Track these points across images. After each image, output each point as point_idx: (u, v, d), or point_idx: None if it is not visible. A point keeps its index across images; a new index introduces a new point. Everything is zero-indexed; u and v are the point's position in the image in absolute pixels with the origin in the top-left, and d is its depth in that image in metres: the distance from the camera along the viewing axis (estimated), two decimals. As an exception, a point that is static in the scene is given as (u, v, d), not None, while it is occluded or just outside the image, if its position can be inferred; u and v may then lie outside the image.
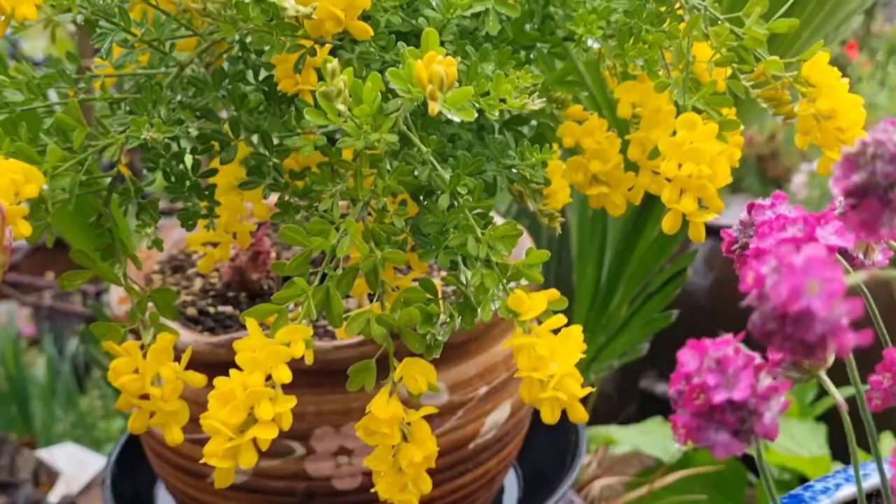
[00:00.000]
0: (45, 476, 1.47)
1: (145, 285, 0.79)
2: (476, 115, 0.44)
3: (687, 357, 0.31)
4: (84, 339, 2.29)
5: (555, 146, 0.55)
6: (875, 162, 0.28)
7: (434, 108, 0.41)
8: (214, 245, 0.65)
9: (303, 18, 0.46)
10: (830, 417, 1.66)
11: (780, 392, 0.30)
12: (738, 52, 0.56)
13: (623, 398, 1.90)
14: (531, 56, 0.62)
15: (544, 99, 0.49)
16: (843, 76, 0.57)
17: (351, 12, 0.48)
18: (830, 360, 0.41)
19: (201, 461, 0.48)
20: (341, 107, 0.42)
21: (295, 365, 0.51)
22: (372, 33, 0.49)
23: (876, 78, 5.63)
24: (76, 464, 1.71)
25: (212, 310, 0.77)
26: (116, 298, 0.75)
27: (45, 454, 1.60)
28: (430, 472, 0.71)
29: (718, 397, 0.30)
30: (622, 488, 1.45)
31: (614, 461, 1.54)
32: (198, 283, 0.81)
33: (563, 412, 0.50)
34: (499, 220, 0.88)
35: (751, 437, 0.31)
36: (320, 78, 0.52)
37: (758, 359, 0.31)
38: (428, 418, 0.69)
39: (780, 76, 0.56)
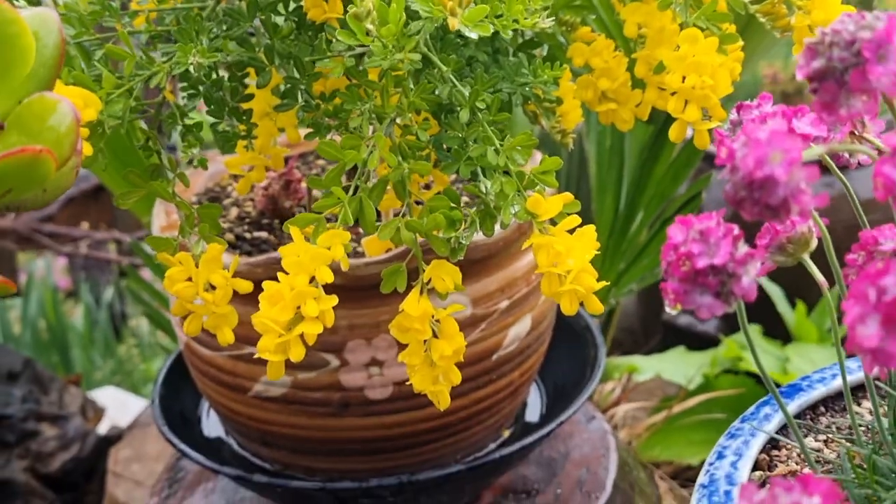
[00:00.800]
0: (92, 411, 1.53)
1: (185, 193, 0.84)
2: (491, 30, 0.48)
3: (675, 230, 0.36)
4: (119, 288, 2.35)
5: (565, 67, 0.58)
6: (832, 49, 0.32)
7: (454, 23, 0.45)
8: (250, 169, 0.70)
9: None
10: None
11: (756, 257, 0.35)
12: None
13: (647, 331, 1.94)
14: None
15: (554, 18, 0.53)
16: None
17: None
18: (813, 244, 0.45)
19: (254, 359, 0.53)
20: (370, 27, 0.46)
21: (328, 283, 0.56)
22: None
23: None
24: (118, 405, 1.78)
25: (248, 235, 0.82)
26: (159, 227, 0.80)
27: (88, 395, 1.67)
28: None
29: (701, 263, 0.34)
30: (645, 414, 1.50)
31: (638, 388, 1.59)
32: (233, 213, 0.86)
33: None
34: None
35: (731, 298, 0.35)
36: (346, 6, 0.57)
37: (736, 230, 0.35)
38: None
39: (779, -7, 0.59)
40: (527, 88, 0.59)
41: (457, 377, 0.57)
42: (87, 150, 0.50)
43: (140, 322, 2.42)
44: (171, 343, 2.18)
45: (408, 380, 0.59)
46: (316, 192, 0.82)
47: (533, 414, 0.95)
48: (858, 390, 0.60)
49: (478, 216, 0.55)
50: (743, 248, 0.35)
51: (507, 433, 0.89)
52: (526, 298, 0.80)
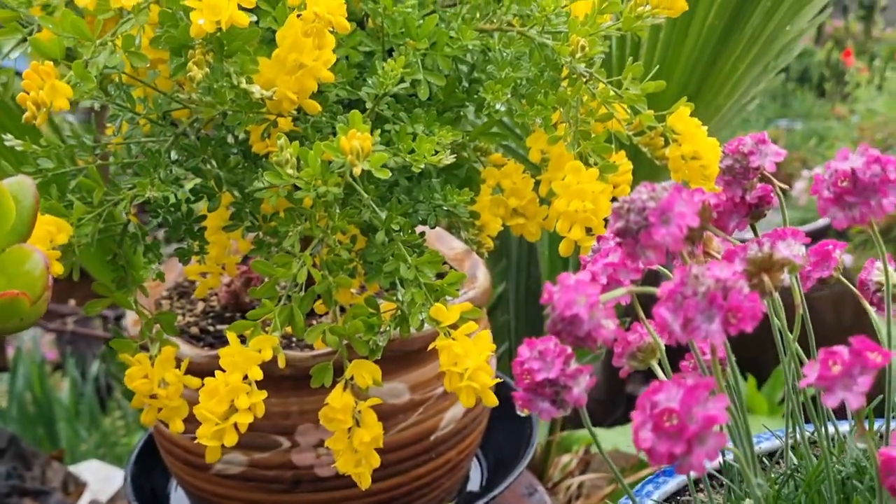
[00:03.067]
0: (73, 486, 1.60)
1: (155, 309, 0.93)
2: (390, 174, 0.58)
3: (523, 349, 0.45)
4: (105, 361, 2.43)
5: (469, 192, 0.68)
6: (629, 213, 0.42)
7: (357, 170, 0.55)
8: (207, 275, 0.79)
9: (265, 99, 0.61)
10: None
11: (585, 373, 0.44)
12: (617, 107, 0.70)
13: (612, 402, 2.03)
14: (461, 113, 0.76)
15: (455, 155, 0.63)
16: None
17: (303, 94, 0.62)
18: (658, 353, 0.55)
19: (196, 443, 0.62)
20: (291, 171, 0.56)
21: (279, 372, 0.65)
22: (320, 110, 0.63)
23: (874, 83, 5.71)
24: (101, 479, 1.84)
25: (212, 328, 0.91)
26: (131, 321, 0.89)
27: (71, 469, 1.74)
28: (397, 460, 0.86)
29: (539, 377, 0.44)
30: (604, 483, 1.58)
31: (598, 459, 1.67)
32: (200, 306, 0.96)
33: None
34: (457, 244, 1.02)
35: (565, 405, 0.44)
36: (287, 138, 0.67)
37: (569, 350, 0.44)
38: (392, 413, 0.84)
39: (654, 126, 0.70)
40: (442, 209, 0.69)
41: (376, 461, 0.66)
42: (58, 269, 0.60)
43: (129, 394, 2.48)
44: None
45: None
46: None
47: (475, 485, 1.03)
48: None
49: (393, 322, 0.65)
50: (573, 365, 0.44)
51: (454, 507, 0.98)
52: (460, 385, 0.89)
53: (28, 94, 0.54)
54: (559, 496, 1.50)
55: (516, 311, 1.41)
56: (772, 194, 0.52)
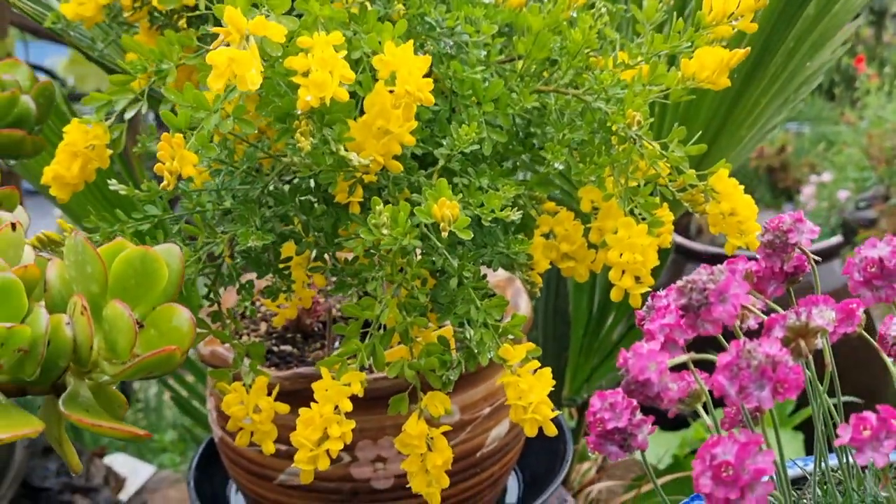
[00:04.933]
0: (114, 481, 1.69)
1: (234, 330, 1.02)
2: (471, 234, 0.66)
3: (594, 401, 0.53)
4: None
5: (530, 242, 0.76)
6: (692, 292, 0.50)
7: (445, 234, 0.63)
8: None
9: (369, 164, 0.69)
10: (806, 426, 1.87)
11: (647, 423, 0.52)
12: (662, 165, 0.78)
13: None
14: (516, 164, 0.84)
15: (521, 212, 0.71)
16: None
17: (388, 156, 0.70)
18: (703, 398, 0.63)
19: (293, 465, 0.70)
20: (385, 231, 0.64)
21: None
22: (402, 169, 0.71)
23: (884, 90, 5.75)
24: (129, 471, 1.93)
25: (276, 349, 1.00)
26: (203, 343, 0.98)
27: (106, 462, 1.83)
28: (447, 474, 0.94)
29: (610, 425, 0.52)
30: (621, 490, 1.66)
31: (615, 466, 1.75)
32: (263, 327, 1.04)
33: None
34: (501, 271, 1.10)
35: (631, 448, 0.52)
36: (365, 190, 0.75)
37: (635, 402, 0.52)
38: (444, 433, 0.92)
39: (694, 184, 0.78)
40: (504, 255, 0.77)
41: (445, 481, 0.74)
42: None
43: (146, 386, 2.57)
44: (177, 414, 2.33)
45: (404, 473, 0.75)
46: (334, 310, 1.00)
47: (512, 498, 1.12)
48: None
49: (463, 357, 0.73)
50: (638, 416, 0.52)
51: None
52: (505, 405, 0.97)
53: (163, 163, 0.62)
54: (580, 502, 1.59)
55: (544, 328, 1.49)
56: (806, 264, 0.60)
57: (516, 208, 0.72)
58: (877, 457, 0.45)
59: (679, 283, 0.50)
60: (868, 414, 0.46)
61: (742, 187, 0.78)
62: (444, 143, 0.74)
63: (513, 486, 1.13)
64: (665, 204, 0.80)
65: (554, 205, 0.83)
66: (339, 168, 0.70)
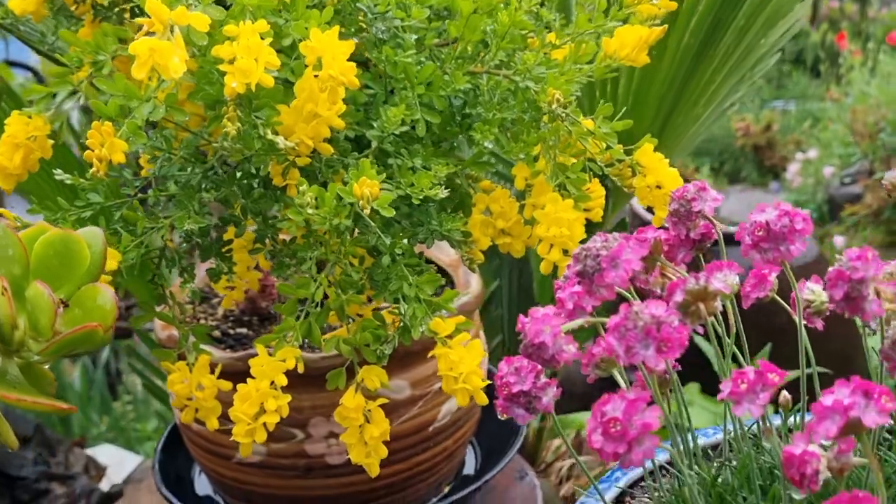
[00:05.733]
0: (94, 470, 1.71)
1: (179, 313, 1.04)
2: (394, 210, 0.68)
3: (502, 365, 0.56)
4: (128, 354, 2.53)
5: (463, 219, 0.79)
6: (586, 260, 0.52)
7: (366, 211, 0.66)
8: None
9: (296, 147, 0.71)
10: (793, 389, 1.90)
11: (551, 385, 0.55)
12: (592, 142, 0.80)
13: (601, 390, 2.13)
14: (454, 144, 0.86)
15: (455, 190, 0.73)
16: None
17: (317, 139, 0.72)
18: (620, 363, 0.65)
19: (231, 439, 0.73)
20: (311, 210, 0.66)
21: (294, 373, 0.76)
22: (332, 152, 0.74)
23: (867, 66, 5.77)
24: (116, 462, 1.95)
25: (232, 331, 1.02)
26: (160, 325, 1.00)
27: (89, 453, 1.85)
28: (399, 448, 0.97)
29: (515, 389, 0.54)
30: (596, 465, 1.69)
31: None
32: (220, 311, 1.06)
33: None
34: (453, 251, 1.12)
35: (536, 410, 0.55)
36: (302, 173, 0.77)
37: (539, 366, 0.55)
38: (395, 407, 0.95)
39: (622, 159, 0.80)
40: (438, 232, 0.79)
41: (383, 452, 0.77)
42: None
43: (134, 379, 2.60)
44: (161, 405, 2.36)
45: None
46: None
47: (470, 471, 1.15)
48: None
49: (397, 333, 0.75)
50: (543, 379, 0.55)
51: (447, 489, 1.09)
52: (456, 381, 1.00)
53: (92, 150, 0.65)
54: (551, 477, 1.61)
55: (509, 306, 1.52)
56: (713, 231, 0.63)
57: (449, 188, 0.74)
58: (753, 408, 0.47)
59: (575, 250, 0.53)
60: (748, 368, 0.48)
61: (666, 161, 0.80)
62: (375, 125, 0.76)
63: (470, 459, 1.15)
64: (595, 179, 0.83)
65: (490, 183, 0.86)
66: (270, 152, 0.72)
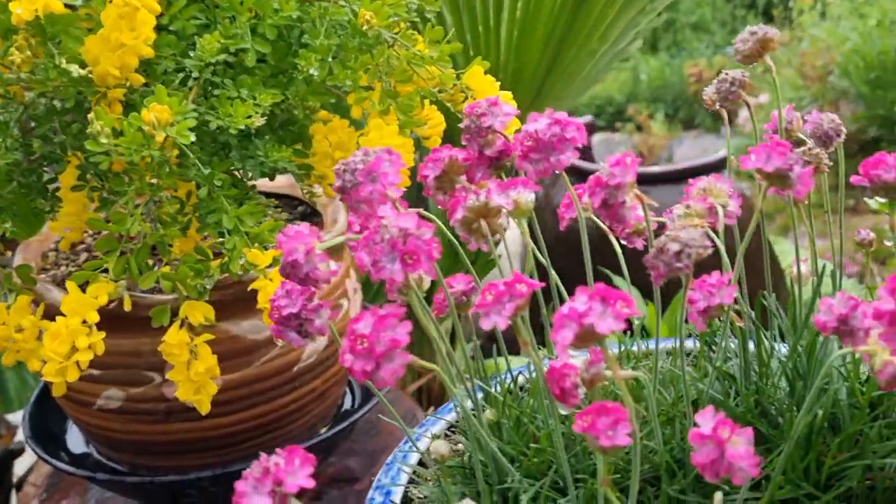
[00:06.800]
0: (5, 429, 1.69)
1: (41, 261, 1.02)
2: (192, 137, 0.66)
3: (277, 290, 0.54)
4: None
5: (287, 150, 0.77)
6: (346, 174, 0.50)
7: (159, 138, 0.64)
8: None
9: (91, 75, 0.68)
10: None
11: (324, 307, 0.53)
12: (424, 66, 0.78)
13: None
14: (293, 75, 0.84)
15: (265, 117, 0.71)
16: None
17: (126, 69, 0.70)
18: (424, 286, 0.64)
19: (107, 389, 0.71)
20: (105, 140, 0.64)
21: (145, 314, 0.74)
22: (143, 82, 0.71)
23: (816, 10, 5.77)
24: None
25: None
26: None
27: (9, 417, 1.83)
28: (262, 390, 0.95)
29: (286, 311, 0.53)
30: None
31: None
32: (83, 257, 1.04)
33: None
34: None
35: (309, 334, 0.53)
36: (126, 107, 0.75)
37: (311, 290, 0.53)
38: (255, 348, 0.93)
39: (454, 84, 0.78)
40: (267, 165, 0.77)
41: (212, 388, 0.75)
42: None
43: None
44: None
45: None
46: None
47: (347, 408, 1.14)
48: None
49: (220, 266, 0.74)
50: (314, 302, 0.53)
51: (323, 430, 1.08)
52: (320, 320, 0.99)
53: None
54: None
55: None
56: (511, 148, 0.61)
57: (289, 121, 0.72)
58: (499, 319, 0.46)
59: (336, 167, 0.51)
60: (497, 281, 0.47)
61: (497, 84, 0.78)
62: (192, 55, 0.74)
63: (350, 400, 1.14)
64: (434, 106, 0.81)
65: (327, 114, 0.84)
66: (76, 84, 0.70)
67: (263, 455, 0.48)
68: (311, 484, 0.46)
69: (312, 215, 1.09)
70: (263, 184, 1.08)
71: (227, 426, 0.96)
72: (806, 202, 0.67)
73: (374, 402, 1.04)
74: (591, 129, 2.74)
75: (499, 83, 0.80)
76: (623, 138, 5.19)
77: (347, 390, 1.16)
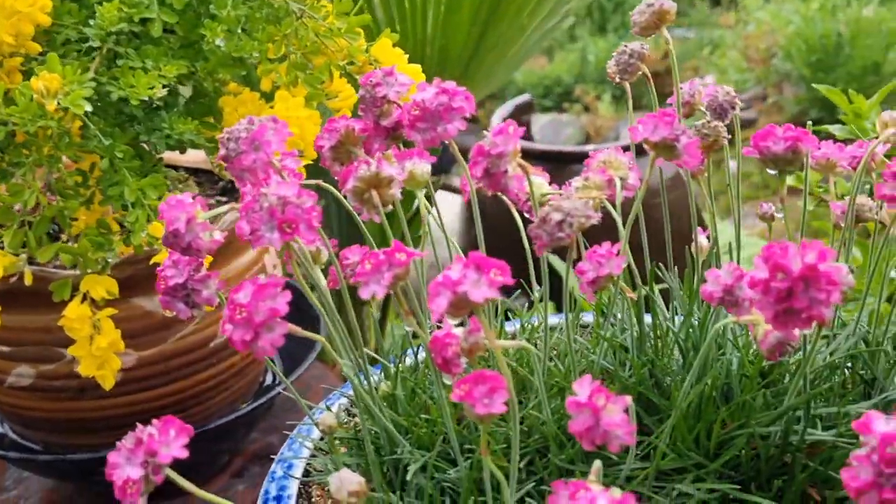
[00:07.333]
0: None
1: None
2: (87, 106, 0.65)
3: (164, 262, 0.53)
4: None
5: (195, 122, 0.76)
6: (230, 142, 0.50)
7: (50, 106, 0.62)
8: None
9: (-15, 42, 0.67)
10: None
11: (212, 278, 0.53)
12: (339, 41, 0.77)
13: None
14: (202, 47, 0.83)
15: (167, 89, 0.70)
16: None
17: (22, 37, 0.68)
18: (322, 258, 0.63)
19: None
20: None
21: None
22: (39, 50, 0.70)
23: (761, -10, 5.80)
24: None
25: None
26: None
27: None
28: (179, 366, 0.94)
29: (172, 282, 0.52)
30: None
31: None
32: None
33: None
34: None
35: (197, 304, 0.53)
36: (26, 77, 0.73)
37: (199, 261, 0.53)
38: (169, 324, 0.92)
39: (362, 55, 0.77)
40: (171, 137, 0.76)
41: (116, 363, 0.74)
42: None
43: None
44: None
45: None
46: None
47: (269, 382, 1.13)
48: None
49: (122, 239, 0.72)
50: (202, 273, 0.53)
51: (244, 406, 1.07)
52: (236, 295, 0.98)
53: None
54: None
55: (339, 228, 1.50)
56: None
57: (199, 93, 0.71)
58: (378, 289, 0.46)
59: (220, 136, 0.50)
60: (377, 251, 0.47)
61: (406, 56, 0.78)
62: (92, 23, 0.72)
63: (272, 377, 1.14)
64: (343, 79, 0.80)
65: (237, 86, 0.83)
66: (-30, 50, 0.68)
67: (139, 425, 0.47)
68: (184, 454, 0.46)
69: (233, 191, 1.08)
70: (184, 158, 1.07)
71: (143, 402, 0.95)
72: (705, 174, 0.68)
73: (292, 377, 1.03)
74: (529, 108, 2.74)
75: (426, 59, 0.80)
76: (570, 119, 5.21)
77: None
